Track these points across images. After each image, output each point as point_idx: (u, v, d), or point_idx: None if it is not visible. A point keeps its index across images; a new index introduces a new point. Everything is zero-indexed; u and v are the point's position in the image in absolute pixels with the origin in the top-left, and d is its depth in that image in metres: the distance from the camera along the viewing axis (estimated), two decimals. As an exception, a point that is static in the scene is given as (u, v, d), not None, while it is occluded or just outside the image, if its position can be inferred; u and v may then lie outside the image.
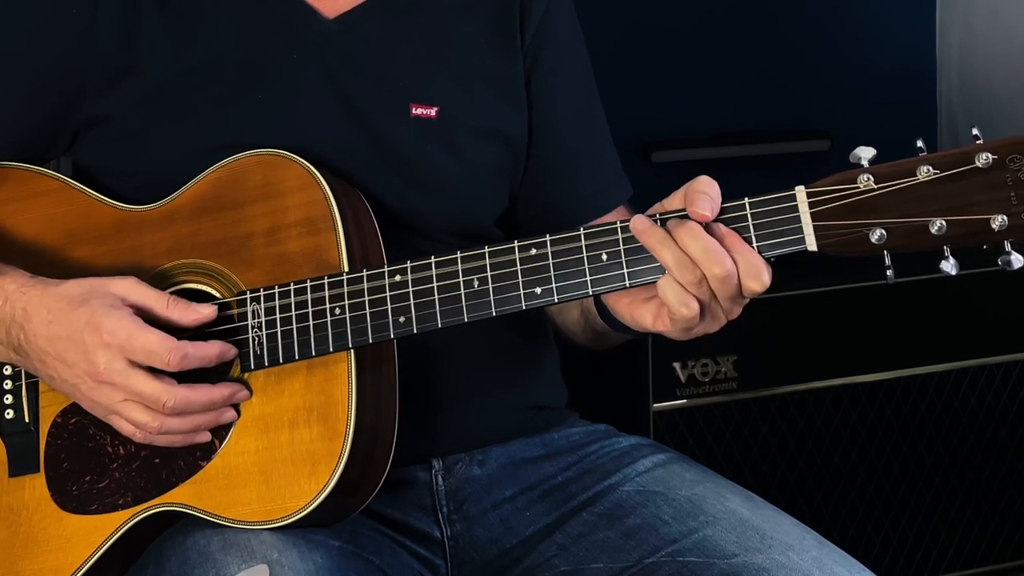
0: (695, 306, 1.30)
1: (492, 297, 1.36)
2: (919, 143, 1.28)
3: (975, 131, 1.25)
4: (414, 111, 1.54)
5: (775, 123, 2.84)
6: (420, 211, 1.53)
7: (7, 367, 1.50)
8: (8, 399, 1.49)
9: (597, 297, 1.45)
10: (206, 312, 1.41)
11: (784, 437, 2.35)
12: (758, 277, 1.29)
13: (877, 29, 2.90)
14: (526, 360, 1.64)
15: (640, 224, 1.31)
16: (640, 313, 1.38)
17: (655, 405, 2.30)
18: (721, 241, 1.29)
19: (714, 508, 1.47)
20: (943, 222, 1.25)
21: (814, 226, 1.28)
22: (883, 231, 1.27)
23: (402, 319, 1.38)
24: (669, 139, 2.72)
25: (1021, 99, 2.68)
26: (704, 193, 1.30)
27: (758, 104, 2.85)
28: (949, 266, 1.27)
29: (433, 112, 1.54)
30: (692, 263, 1.29)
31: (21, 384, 1.49)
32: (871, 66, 2.90)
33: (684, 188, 1.32)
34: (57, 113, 1.54)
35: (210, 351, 1.39)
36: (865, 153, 1.28)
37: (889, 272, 1.28)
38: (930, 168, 1.25)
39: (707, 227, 1.30)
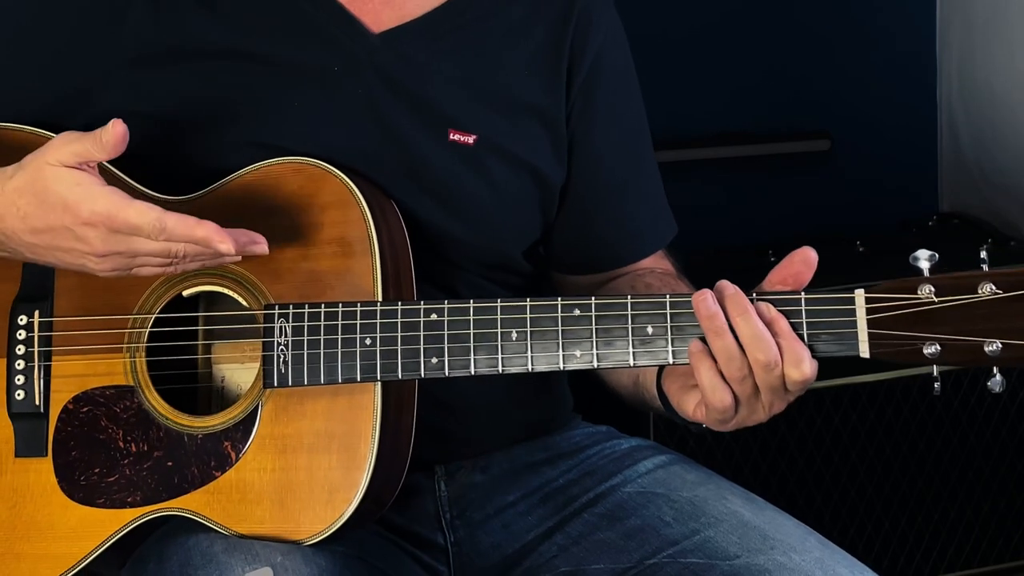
0: (729, 400, 1.29)
1: (530, 353, 1.33)
2: (982, 254, 1.24)
3: None
4: (451, 136, 1.51)
5: (775, 123, 2.84)
6: (448, 234, 1.51)
7: (20, 346, 1.47)
8: (20, 380, 1.47)
9: (658, 375, 1.43)
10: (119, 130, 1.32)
11: (784, 437, 2.35)
12: (798, 366, 1.27)
13: (877, 29, 2.90)
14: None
15: (706, 309, 1.28)
16: (685, 399, 1.37)
17: (655, 405, 2.30)
18: (770, 325, 1.27)
19: (716, 509, 1.47)
20: (999, 344, 1.22)
21: (869, 333, 1.25)
22: (938, 346, 1.23)
23: (435, 360, 1.35)
24: (669, 139, 2.71)
25: (1021, 100, 2.68)
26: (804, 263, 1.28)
27: (758, 104, 2.85)
28: (996, 384, 1.24)
29: (471, 140, 1.51)
30: (741, 357, 1.27)
31: (34, 366, 1.46)
32: (871, 66, 2.89)
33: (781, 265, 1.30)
34: (76, 91, 1.49)
35: (195, 231, 1.31)
36: (924, 256, 1.24)
37: (936, 385, 1.26)
38: (992, 287, 1.21)
39: (757, 309, 1.27)
